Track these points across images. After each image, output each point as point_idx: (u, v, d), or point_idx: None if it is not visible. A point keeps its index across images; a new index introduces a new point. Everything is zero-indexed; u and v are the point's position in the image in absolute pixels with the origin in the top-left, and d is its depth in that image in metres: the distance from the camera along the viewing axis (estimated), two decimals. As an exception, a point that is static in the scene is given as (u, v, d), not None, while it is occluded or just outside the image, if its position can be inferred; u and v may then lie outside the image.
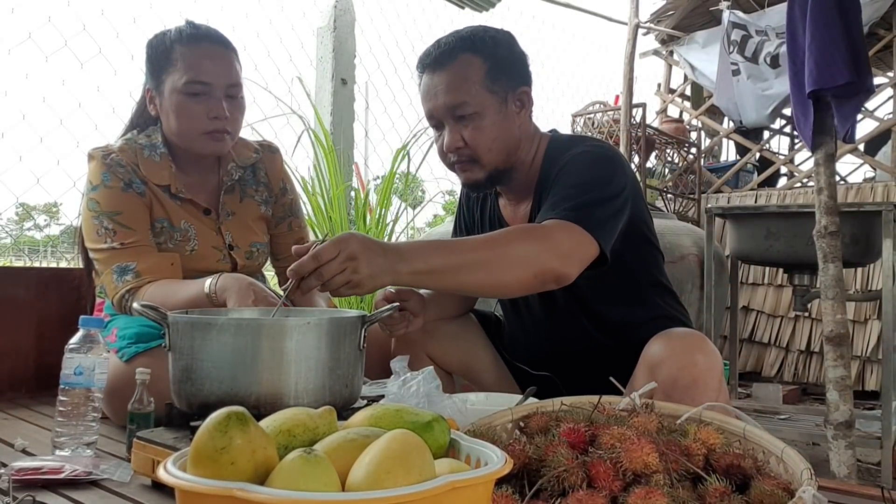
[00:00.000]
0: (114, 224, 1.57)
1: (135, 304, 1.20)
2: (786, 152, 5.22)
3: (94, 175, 1.60)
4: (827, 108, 2.17)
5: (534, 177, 1.49)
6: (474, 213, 1.67)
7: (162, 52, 1.61)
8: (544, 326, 1.56)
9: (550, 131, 1.56)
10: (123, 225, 1.57)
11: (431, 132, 1.52)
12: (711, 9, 4.75)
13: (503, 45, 1.45)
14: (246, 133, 1.83)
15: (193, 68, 1.57)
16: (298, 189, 2.58)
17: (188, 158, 1.68)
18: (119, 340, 1.57)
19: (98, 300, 1.75)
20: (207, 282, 1.44)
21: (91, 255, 1.61)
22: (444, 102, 1.39)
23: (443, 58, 1.41)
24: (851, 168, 5.72)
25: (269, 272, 2.04)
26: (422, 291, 1.60)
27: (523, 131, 1.47)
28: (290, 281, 1.10)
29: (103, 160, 1.60)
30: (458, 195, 1.75)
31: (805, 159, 4.90)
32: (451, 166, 1.48)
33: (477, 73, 1.39)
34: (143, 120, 1.72)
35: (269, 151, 1.86)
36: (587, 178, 1.35)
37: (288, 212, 1.87)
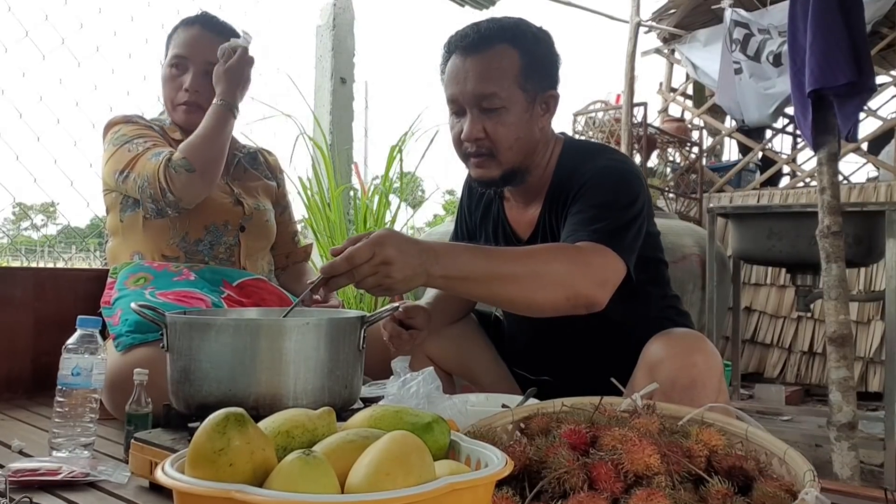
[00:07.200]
0: (141, 138, 1.69)
1: (132, 305, 1.19)
2: (788, 151, 5.21)
3: (118, 126, 1.75)
4: (829, 107, 2.16)
5: (545, 182, 1.45)
6: (475, 216, 1.62)
7: (168, 36, 1.83)
8: (544, 325, 1.54)
9: (560, 133, 1.52)
10: (151, 138, 1.71)
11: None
12: (713, 7, 4.73)
13: (543, 43, 1.40)
14: (243, 136, 2.03)
15: (177, 46, 1.78)
16: (297, 190, 2.78)
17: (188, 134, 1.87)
18: (121, 325, 1.55)
19: (109, 280, 1.74)
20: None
21: (119, 177, 1.68)
22: (473, 90, 1.33)
23: (480, 43, 1.34)
24: (854, 168, 5.71)
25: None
26: (427, 300, 1.57)
27: (543, 135, 1.42)
28: (317, 277, 1.08)
29: (126, 117, 1.77)
30: (459, 197, 1.69)
31: (808, 158, 4.89)
32: (464, 157, 1.42)
33: (512, 67, 1.34)
34: None
35: (265, 151, 2.06)
36: (614, 197, 1.31)
37: (285, 203, 2.05)
